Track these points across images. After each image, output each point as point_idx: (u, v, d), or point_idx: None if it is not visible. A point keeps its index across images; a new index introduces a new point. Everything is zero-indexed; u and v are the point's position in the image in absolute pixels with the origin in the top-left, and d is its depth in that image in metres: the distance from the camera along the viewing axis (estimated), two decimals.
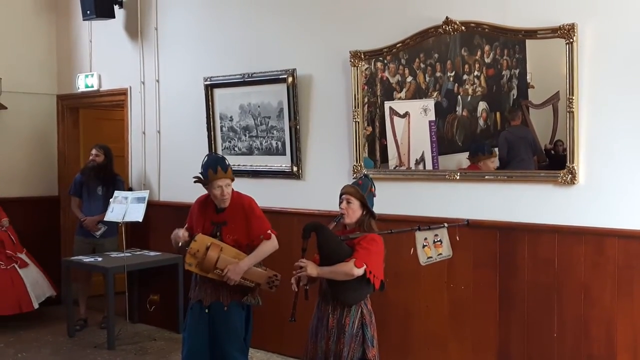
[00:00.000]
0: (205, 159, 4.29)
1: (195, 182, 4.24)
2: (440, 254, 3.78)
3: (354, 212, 3.69)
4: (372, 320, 3.67)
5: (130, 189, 6.74)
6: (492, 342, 4.47)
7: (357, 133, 5.00)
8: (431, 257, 3.79)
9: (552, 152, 4.18)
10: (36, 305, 6.56)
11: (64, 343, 6.13)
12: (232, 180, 4.26)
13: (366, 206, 3.70)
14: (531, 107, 4.30)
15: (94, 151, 6.61)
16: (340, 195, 3.74)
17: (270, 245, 4.23)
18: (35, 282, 6.64)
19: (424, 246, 3.77)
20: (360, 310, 3.61)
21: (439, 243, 3.77)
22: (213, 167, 4.16)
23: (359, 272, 3.48)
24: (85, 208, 6.61)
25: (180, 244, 4.30)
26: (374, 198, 3.77)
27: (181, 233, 4.28)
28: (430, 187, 4.71)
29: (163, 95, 6.55)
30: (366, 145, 4.99)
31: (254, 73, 5.63)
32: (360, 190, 3.69)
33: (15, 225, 6.75)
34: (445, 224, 3.81)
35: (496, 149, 4.44)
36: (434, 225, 3.82)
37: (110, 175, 6.62)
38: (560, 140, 4.13)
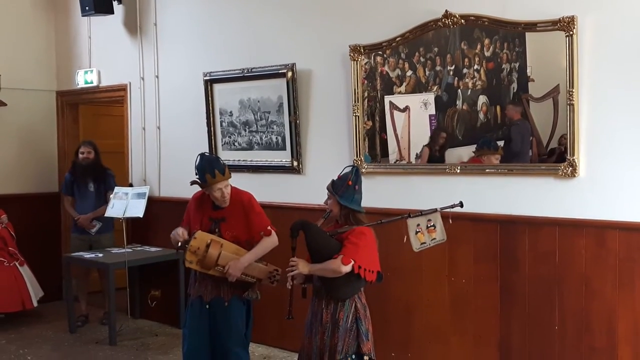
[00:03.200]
0: (199, 161, 4.18)
1: (192, 184, 4.20)
2: (434, 238, 3.72)
3: (334, 206, 3.66)
4: (367, 314, 3.64)
5: (130, 185, 6.74)
6: (494, 335, 4.48)
7: (357, 127, 4.99)
8: (425, 243, 3.72)
9: (558, 148, 4.15)
10: (35, 304, 6.58)
11: (65, 339, 6.13)
12: (230, 177, 4.22)
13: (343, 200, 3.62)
14: (531, 101, 4.29)
15: (84, 149, 6.56)
16: None
17: (270, 242, 4.21)
18: (32, 280, 6.66)
19: (416, 232, 3.72)
20: (354, 304, 3.59)
21: (433, 228, 3.71)
22: (210, 172, 4.09)
23: (347, 268, 3.45)
24: (78, 206, 6.60)
25: (179, 243, 4.23)
26: (355, 191, 3.63)
27: (180, 232, 4.22)
28: (430, 181, 4.71)
29: (162, 91, 6.54)
30: (366, 139, 4.99)
31: (254, 68, 5.63)
32: (333, 185, 3.66)
33: (14, 223, 6.74)
34: (438, 208, 3.76)
35: (501, 144, 4.40)
36: (425, 210, 3.77)
37: (100, 171, 6.61)
38: (565, 135, 4.10)
